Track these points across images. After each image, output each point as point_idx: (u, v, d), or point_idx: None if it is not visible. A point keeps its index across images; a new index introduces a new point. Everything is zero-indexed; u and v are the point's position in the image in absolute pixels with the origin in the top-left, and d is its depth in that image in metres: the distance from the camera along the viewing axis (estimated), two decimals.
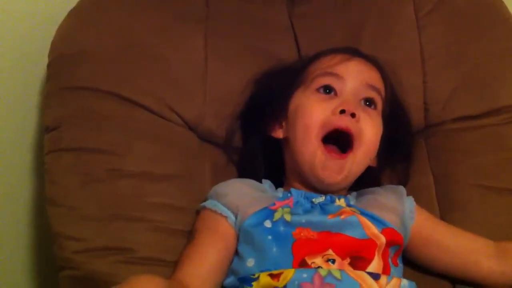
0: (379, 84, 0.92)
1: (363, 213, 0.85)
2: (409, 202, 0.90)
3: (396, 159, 0.98)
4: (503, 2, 1.09)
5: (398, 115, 0.97)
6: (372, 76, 0.91)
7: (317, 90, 0.90)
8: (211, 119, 0.99)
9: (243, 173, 0.97)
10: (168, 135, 0.95)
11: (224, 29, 1.03)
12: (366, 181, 0.94)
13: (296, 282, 0.76)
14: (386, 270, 0.81)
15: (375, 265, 0.80)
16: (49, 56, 0.98)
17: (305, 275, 0.76)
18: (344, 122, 0.86)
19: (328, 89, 0.90)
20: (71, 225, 0.86)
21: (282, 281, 0.76)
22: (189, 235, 0.86)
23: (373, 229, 0.83)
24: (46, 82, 0.98)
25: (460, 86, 1.03)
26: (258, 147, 0.96)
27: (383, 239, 0.82)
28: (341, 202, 0.87)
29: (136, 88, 0.95)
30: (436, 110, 1.02)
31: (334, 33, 1.06)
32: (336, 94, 0.89)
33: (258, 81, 1.00)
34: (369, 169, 0.92)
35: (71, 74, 0.95)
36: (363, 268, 0.79)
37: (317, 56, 0.95)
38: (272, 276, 0.77)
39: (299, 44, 1.05)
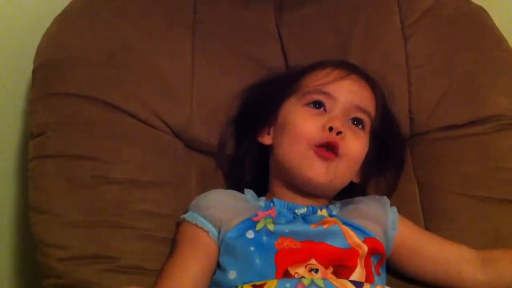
0: (370, 105, 0.93)
1: (345, 223, 0.85)
2: (392, 213, 0.91)
3: (386, 168, 0.99)
4: (487, 12, 1.10)
5: (389, 127, 0.98)
6: (364, 97, 0.92)
7: (307, 104, 0.91)
8: (198, 126, 0.99)
9: (229, 181, 0.98)
10: (154, 142, 0.95)
11: (211, 35, 1.03)
12: (351, 193, 0.94)
13: None
14: (369, 279, 0.81)
15: (357, 274, 0.80)
16: (34, 61, 0.97)
17: (288, 285, 0.76)
18: (331, 138, 0.87)
19: (318, 104, 0.90)
20: (55, 233, 0.85)
21: None
22: (171, 248, 0.86)
23: (355, 238, 0.83)
24: (32, 88, 0.97)
25: (445, 95, 1.03)
26: (248, 152, 0.96)
27: (365, 248, 0.83)
28: (323, 212, 0.88)
29: (122, 94, 0.95)
30: (421, 119, 1.03)
31: (322, 41, 1.07)
32: (325, 110, 0.90)
33: (250, 88, 1.00)
34: (352, 184, 0.93)
35: (57, 79, 0.95)
36: (346, 277, 0.79)
37: (313, 68, 0.95)
38: (255, 287, 0.77)
39: (286, 51, 1.06)
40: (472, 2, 1.11)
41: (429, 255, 0.89)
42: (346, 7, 1.09)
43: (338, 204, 0.93)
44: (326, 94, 0.90)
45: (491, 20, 1.09)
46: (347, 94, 0.90)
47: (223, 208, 0.86)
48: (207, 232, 0.84)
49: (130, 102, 0.94)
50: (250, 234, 0.82)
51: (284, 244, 0.81)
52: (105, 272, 0.83)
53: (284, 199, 0.89)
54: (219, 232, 0.84)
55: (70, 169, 0.89)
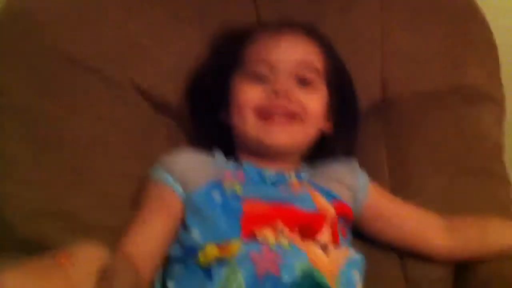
0: (313, 56, 0.90)
1: (313, 187, 0.85)
2: (362, 177, 0.91)
3: (346, 126, 0.97)
4: None
5: (343, 83, 0.95)
6: (304, 51, 0.90)
7: (250, 77, 0.89)
8: (167, 89, 0.97)
9: (197, 143, 0.96)
10: (123, 103, 0.94)
11: None
12: (321, 150, 0.93)
13: (244, 252, 0.75)
14: (335, 241, 0.81)
15: (324, 237, 0.80)
16: None
17: (253, 245, 0.76)
18: (278, 101, 0.86)
19: (258, 76, 0.88)
20: (11, 188, 0.84)
21: (229, 251, 0.76)
22: (136, 205, 0.85)
23: (323, 202, 0.83)
24: None
25: (419, 61, 1.02)
26: (212, 128, 0.95)
27: (332, 211, 0.83)
28: (291, 176, 0.87)
29: (92, 52, 0.93)
30: (393, 84, 1.02)
31: (298, 4, 1.04)
32: (268, 78, 0.88)
33: (207, 55, 0.98)
34: (323, 138, 0.92)
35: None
36: (311, 240, 0.79)
37: (248, 36, 0.93)
38: (219, 246, 0.77)
39: (260, 13, 1.03)
40: None
41: (397, 221, 0.89)
42: None
43: (307, 167, 0.92)
44: (263, 61, 0.88)
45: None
46: (284, 54, 0.89)
47: (190, 167, 0.85)
48: (172, 190, 0.83)
49: (98, 59, 0.92)
50: (216, 196, 0.82)
51: (251, 206, 0.81)
52: (64, 229, 0.82)
53: (253, 163, 0.88)
54: (185, 191, 0.83)
55: (31, 128, 0.88)
